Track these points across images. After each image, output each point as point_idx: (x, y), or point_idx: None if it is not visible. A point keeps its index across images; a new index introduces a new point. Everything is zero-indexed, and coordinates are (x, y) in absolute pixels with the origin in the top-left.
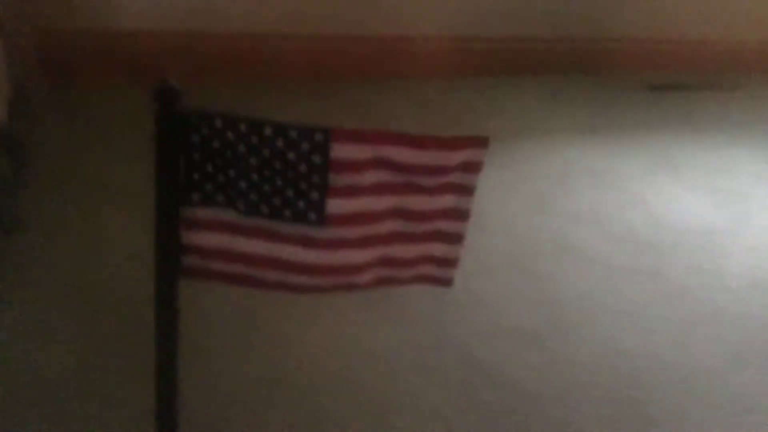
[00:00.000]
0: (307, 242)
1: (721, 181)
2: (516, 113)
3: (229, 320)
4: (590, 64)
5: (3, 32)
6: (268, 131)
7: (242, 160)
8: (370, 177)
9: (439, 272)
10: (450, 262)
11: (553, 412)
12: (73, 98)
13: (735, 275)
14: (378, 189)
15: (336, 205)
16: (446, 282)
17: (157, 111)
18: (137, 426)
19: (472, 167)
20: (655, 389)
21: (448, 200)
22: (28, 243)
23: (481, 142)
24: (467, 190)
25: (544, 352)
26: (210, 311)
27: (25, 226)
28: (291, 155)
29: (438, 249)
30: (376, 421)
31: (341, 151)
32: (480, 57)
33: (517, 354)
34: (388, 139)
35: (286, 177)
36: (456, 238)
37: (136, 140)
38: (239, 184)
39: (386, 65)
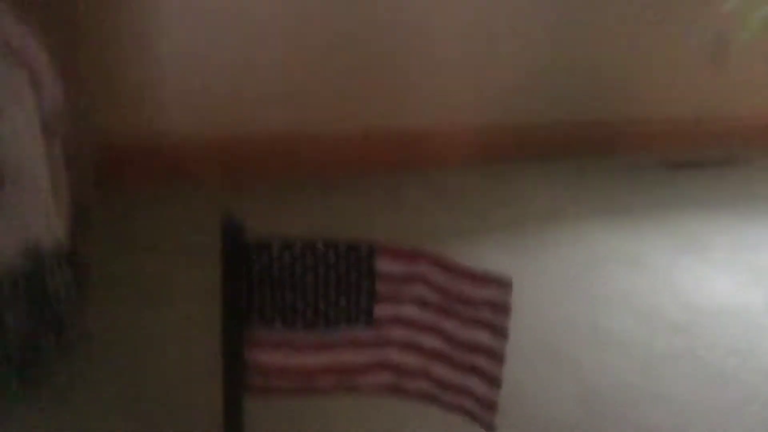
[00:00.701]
0: (358, 343)
1: (749, 258)
2: (539, 199)
3: (286, 412)
4: (607, 146)
5: (66, 148)
6: (320, 248)
7: (299, 280)
8: (412, 291)
9: (480, 411)
10: (489, 405)
11: None
12: (124, 207)
13: None
14: (420, 303)
15: (383, 309)
16: (487, 426)
17: (224, 243)
18: None
19: (500, 308)
20: None
21: (482, 336)
22: (93, 355)
23: (503, 283)
24: (500, 332)
25: None
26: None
27: (89, 339)
28: (342, 266)
29: (477, 386)
30: None
31: (386, 265)
32: (501, 144)
33: None
34: (425, 259)
35: (338, 287)
36: (493, 381)
37: (187, 244)
38: (297, 305)
39: (411, 157)
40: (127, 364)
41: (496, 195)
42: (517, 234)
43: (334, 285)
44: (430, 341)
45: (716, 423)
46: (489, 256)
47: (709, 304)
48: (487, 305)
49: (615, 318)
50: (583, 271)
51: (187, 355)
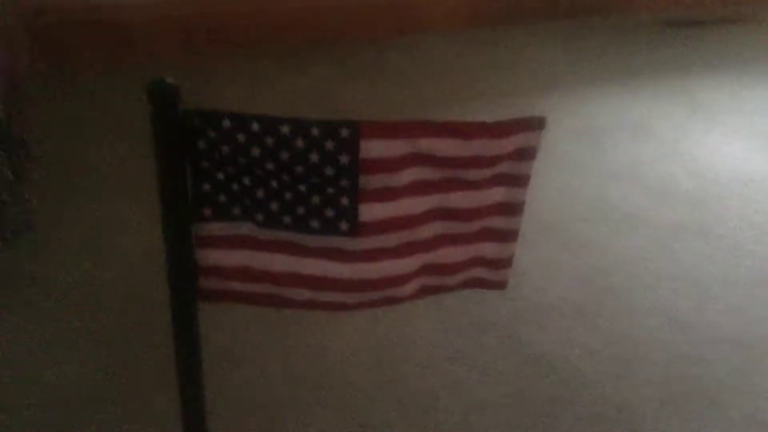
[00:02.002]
0: (339, 256)
1: (757, 122)
2: (533, 65)
3: (254, 323)
4: (603, 5)
5: None
6: (285, 129)
7: (258, 166)
8: (407, 175)
9: (491, 275)
10: (503, 262)
11: (610, 396)
12: (67, 83)
13: None
14: (418, 188)
15: (370, 211)
16: (499, 285)
17: (154, 114)
18: None
19: (526, 154)
20: (716, 363)
21: (498, 194)
22: (37, 244)
23: (536, 123)
24: (520, 181)
25: (595, 330)
26: (233, 315)
27: (32, 227)
28: (314, 156)
29: (489, 249)
30: (419, 420)
31: (372, 149)
32: (490, 7)
33: (566, 333)
34: (426, 131)
35: (310, 182)
36: (509, 235)
37: (138, 124)
38: (256, 194)
39: (395, 22)
40: (74, 257)
41: (485, 62)
42: (509, 104)
43: (303, 179)
44: (432, 229)
45: (732, 301)
46: None
47: (720, 173)
48: (511, 156)
49: (620, 190)
50: (584, 141)
51: (139, 247)
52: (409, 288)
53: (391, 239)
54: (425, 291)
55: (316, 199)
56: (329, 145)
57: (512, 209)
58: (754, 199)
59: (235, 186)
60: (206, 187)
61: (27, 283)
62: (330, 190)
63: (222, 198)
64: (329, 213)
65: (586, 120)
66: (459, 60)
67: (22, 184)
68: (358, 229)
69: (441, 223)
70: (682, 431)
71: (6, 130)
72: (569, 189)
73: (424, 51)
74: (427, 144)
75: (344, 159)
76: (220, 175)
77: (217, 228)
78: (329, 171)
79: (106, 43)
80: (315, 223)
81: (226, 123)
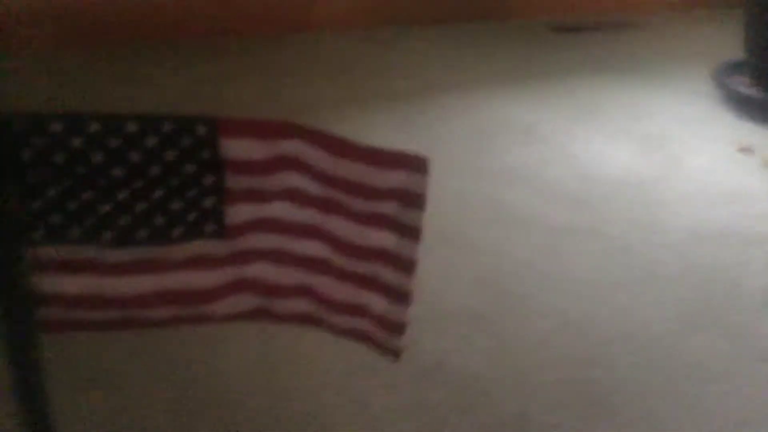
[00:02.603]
0: (205, 263)
1: (644, 125)
2: (424, 67)
3: (129, 340)
4: (499, 10)
5: None
6: (132, 128)
7: (101, 174)
8: (280, 180)
9: (383, 336)
10: (394, 326)
11: (508, 404)
12: None
13: (673, 227)
14: (293, 196)
15: (238, 213)
16: (393, 353)
17: None
18: None
19: (412, 200)
20: (611, 366)
21: (386, 239)
22: None
23: (419, 163)
24: (410, 232)
25: (492, 335)
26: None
27: None
28: (170, 154)
29: (378, 304)
30: None
31: (233, 147)
32: (390, 7)
33: (463, 340)
34: (295, 134)
35: (166, 184)
36: (400, 296)
37: None
38: (101, 209)
39: (290, 19)
40: None
41: (379, 62)
42: (402, 105)
43: (158, 182)
44: (310, 247)
45: (622, 302)
46: (371, 129)
47: (608, 175)
48: (394, 196)
49: (511, 193)
50: (475, 143)
51: None
52: (291, 305)
53: (264, 241)
54: (309, 319)
55: (176, 204)
56: (186, 141)
57: (402, 264)
58: (640, 201)
59: (72, 204)
60: (37, 205)
61: None
62: (191, 191)
63: (56, 218)
64: (192, 216)
65: (477, 122)
66: (354, 60)
67: None
68: (225, 231)
69: (322, 246)
70: None
71: None
72: (462, 192)
73: (320, 49)
74: (300, 150)
75: (206, 154)
76: (53, 192)
77: (52, 252)
78: (189, 168)
79: None
80: (176, 231)
81: (57, 126)
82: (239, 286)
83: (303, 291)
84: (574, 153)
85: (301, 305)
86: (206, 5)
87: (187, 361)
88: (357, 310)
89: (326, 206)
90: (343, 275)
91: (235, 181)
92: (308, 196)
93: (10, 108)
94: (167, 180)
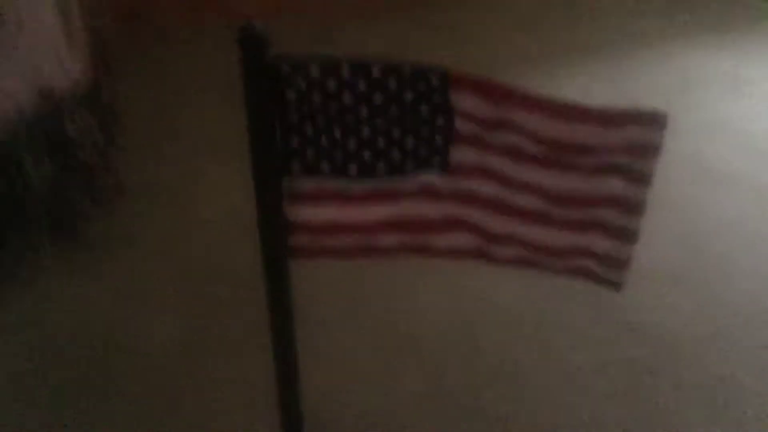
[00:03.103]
0: (431, 194)
1: None
2: (619, 17)
3: (339, 286)
4: None
5: None
6: (376, 72)
7: (350, 113)
8: (501, 137)
9: (604, 271)
10: (618, 262)
11: (710, 365)
12: (150, 42)
13: None
14: (511, 153)
15: (462, 154)
16: (613, 285)
17: (244, 63)
18: (254, 401)
19: (645, 151)
20: None
21: (612, 185)
22: (128, 209)
23: (654, 119)
24: (641, 178)
25: (692, 295)
26: (317, 277)
27: (123, 191)
28: (408, 96)
29: (603, 245)
30: (508, 386)
31: (462, 101)
32: None
33: (661, 299)
34: (521, 102)
35: (404, 122)
36: (626, 235)
37: (225, 82)
38: (348, 145)
39: None
40: (166, 219)
41: (570, 14)
42: (598, 57)
43: (396, 120)
44: (525, 200)
45: None
46: (568, 82)
47: None
48: (624, 149)
49: (715, 148)
50: (678, 96)
51: (231, 208)
52: (504, 251)
53: (482, 187)
54: (522, 261)
55: (410, 141)
56: (422, 86)
57: (630, 206)
58: None
59: (324, 140)
60: (295, 141)
61: (117, 246)
62: (424, 129)
63: (311, 153)
64: (422, 151)
65: (679, 74)
66: (541, 15)
67: (112, 149)
68: (449, 168)
69: (538, 200)
70: None
71: (96, 96)
72: (664, 147)
73: (501, 7)
74: (521, 117)
75: (438, 99)
76: (309, 129)
77: (306, 183)
78: (424, 109)
79: (192, 4)
80: (408, 165)
81: (315, 70)
82: (458, 223)
83: (518, 238)
84: None
85: (516, 250)
86: None
87: (386, 305)
88: (577, 251)
89: (545, 163)
90: (561, 223)
91: (462, 126)
92: (527, 155)
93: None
94: (404, 118)
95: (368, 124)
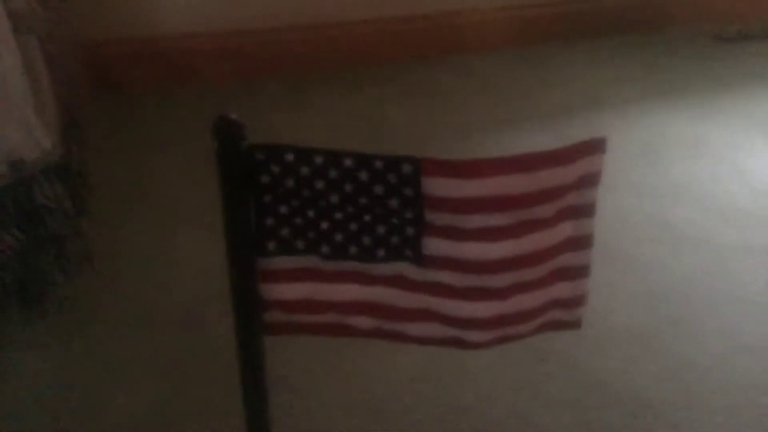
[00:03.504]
0: (404, 284)
1: None
2: (583, 82)
3: (312, 351)
4: (652, 20)
5: (47, 53)
6: (348, 163)
7: (322, 198)
8: (476, 221)
9: (566, 315)
10: (577, 300)
11: (681, 427)
12: (124, 113)
13: None
14: (488, 235)
15: (435, 246)
16: (574, 325)
17: (219, 151)
18: None
19: (590, 180)
20: None
21: (566, 229)
22: (97, 277)
23: (597, 146)
24: (587, 211)
25: (661, 356)
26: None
27: (91, 259)
28: (378, 189)
29: (563, 289)
30: None
31: (435, 186)
32: (534, 24)
33: (630, 360)
34: (492, 169)
35: (374, 213)
36: (580, 271)
37: (196, 149)
38: (321, 226)
39: (444, 42)
40: (135, 288)
41: (535, 80)
42: (561, 122)
43: (367, 209)
44: (506, 279)
45: None
46: (532, 145)
47: None
48: (573, 186)
49: (678, 210)
50: (639, 159)
51: (203, 277)
52: (481, 336)
53: (457, 279)
54: (500, 339)
55: (381, 229)
56: (392, 178)
57: (581, 243)
58: None
59: (298, 220)
60: (270, 221)
61: (85, 314)
62: (395, 220)
63: (285, 232)
64: (394, 240)
65: (640, 137)
66: (509, 79)
67: (81, 217)
68: (422, 260)
69: (514, 273)
70: None
71: (67, 166)
72: (625, 210)
73: (474, 69)
74: (496, 185)
75: (408, 191)
76: (284, 209)
77: (281, 262)
78: (394, 202)
79: (163, 74)
80: (380, 252)
81: (290, 157)
82: (434, 314)
83: (497, 321)
84: (746, 167)
85: (494, 333)
86: (369, 36)
87: (361, 370)
88: (546, 306)
89: (518, 231)
90: (535, 284)
91: (432, 217)
92: (502, 229)
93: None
94: (374, 210)
95: (339, 211)
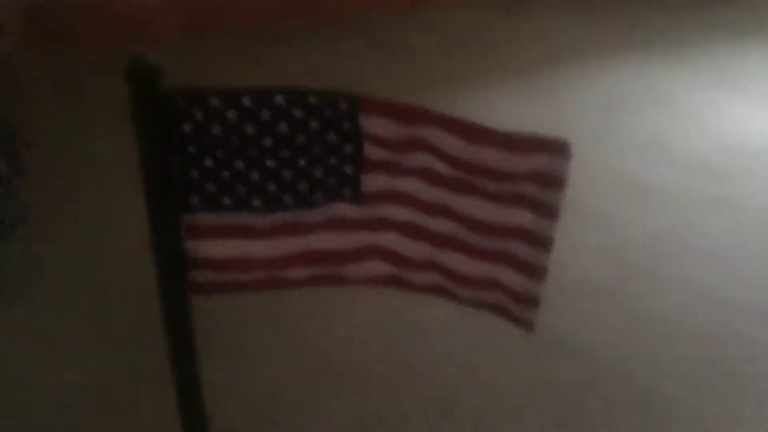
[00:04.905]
0: (342, 225)
1: None
2: (550, 37)
3: (256, 312)
4: None
5: None
6: (280, 100)
7: (253, 144)
8: (414, 160)
9: (516, 309)
10: (528, 300)
11: (639, 380)
12: (63, 65)
13: None
14: (426, 176)
15: (374, 182)
16: (525, 324)
17: (132, 96)
18: None
19: (551, 181)
20: (747, 340)
21: (521, 217)
22: (32, 239)
23: (560, 148)
24: (547, 211)
25: (621, 308)
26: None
27: (26, 221)
28: (314, 124)
29: (513, 279)
30: (438, 410)
31: (372, 125)
32: None
33: (589, 313)
34: (430, 121)
35: (310, 152)
36: (534, 271)
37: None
38: (251, 177)
39: None
40: (69, 252)
41: (502, 35)
42: (528, 76)
43: (303, 150)
44: (441, 224)
45: (763, 275)
46: (499, 103)
47: (747, 145)
48: (533, 178)
49: (644, 164)
50: (606, 113)
51: (141, 238)
52: (421, 277)
53: (397, 213)
54: (438, 290)
55: (318, 171)
56: (329, 113)
57: (538, 241)
58: None
59: (225, 173)
60: (194, 174)
61: (22, 280)
62: (333, 159)
63: (211, 187)
64: (332, 182)
65: (607, 91)
66: (475, 34)
67: (16, 176)
68: (361, 197)
69: (453, 224)
70: (717, 414)
71: None
72: (592, 164)
73: (438, 26)
74: (434, 136)
75: (347, 126)
76: (209, 162)
77: (207, 218)
78: (332, 137)
79: (105, 28)
80: (318, 196)
81: (214, 101)
82: (373, 251)
83: (433, 265)
84: (712, 121)
85: (431, 278)
86: None
87: (313, 330)
88: (489, 283)
89: (458, 187)
90: (474, 251)
91: (372, 152)
92: (440, 177)
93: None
94: (311, 148)
95: (273, 156)
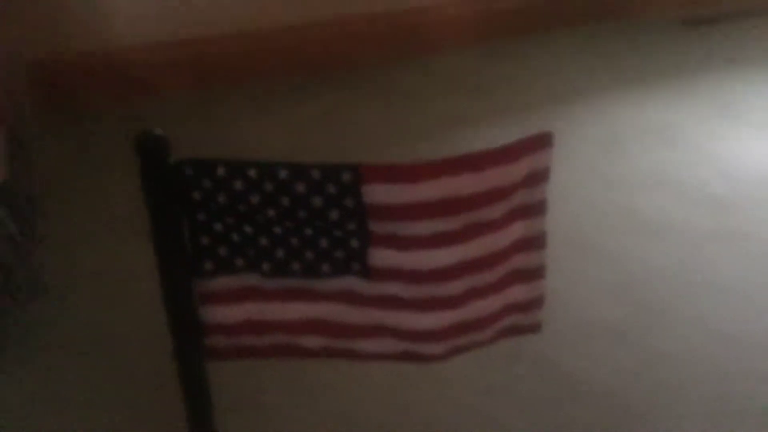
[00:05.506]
0: (352, 299)
1: None
2: (551, 74)
3: (272, 366)
4: (615, 8)
5: None
6: (283, 174)
7: (259, 213)
8: (422, 227)
9: (524, 319)
10: (534, 303)
11: (660, 423)
12: (73, 132)
13: None
14: (436, 241)
15: (381, 257)
16: (533, 328)
17: (143, 168)
18: None
19: (539, 177)
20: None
21: (517, 229)
22: (51, 305)
23: (544, 140)
24: (537, 209)
25: (634, 349)
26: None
27: (44, 288)
28: (317, 200)
29: (519, 292)
30: None
31: (377, 193)
32: (501, 17)
33: (601, 355)
34: (435, 172)
35: (315, 226)
36: (535, 273)
37: None
38: (260, 242)
39: (404, 42)
40: (87, 314)
41: (498, 76)
42: (528, 116)
43: (307, 222)
44: (456, 286)
45: None
46: (502, 141)
47: (753, 175)
48: (521, 184)
49: (649, 198)
50: (609, 149)
51: (157, 295)
52: (436, 347)
53: (407, 290)
54: (455, 351)
55: (324, 243)
56: (331, 188)
57: (534, 243)
58: None
59: (235, 237)
60: (205, 240)
61: (40, 347)
62: (337, 233)
63: (223, 250)
64: (339, 254)
65: (609, 128)
66: (471, 76)
67: (30, 243)
68: (369, 272)
69: (467, 278)
70: None
71: (13, 191)
72: (595, 201)
73: (436, 69)
74: (439, 187)
75: (349, 202)
76: (219, 227)
77: (220, 283)
78: (334, 214)
79: (112, 88)
80: (325, 267)
81: (221, 171)
82: (385, 329)
83: (454, 330)
84: (716, 153)
85: (452, 342)
86: (327, 42)
87: (331, 384)
88: (503, 311)
89: (467, 234)
90: (490, 289)
91: (377, 226)
92: (451, 234)
93: (180, 154)
94: (314, 223)
95: (279, 225)
